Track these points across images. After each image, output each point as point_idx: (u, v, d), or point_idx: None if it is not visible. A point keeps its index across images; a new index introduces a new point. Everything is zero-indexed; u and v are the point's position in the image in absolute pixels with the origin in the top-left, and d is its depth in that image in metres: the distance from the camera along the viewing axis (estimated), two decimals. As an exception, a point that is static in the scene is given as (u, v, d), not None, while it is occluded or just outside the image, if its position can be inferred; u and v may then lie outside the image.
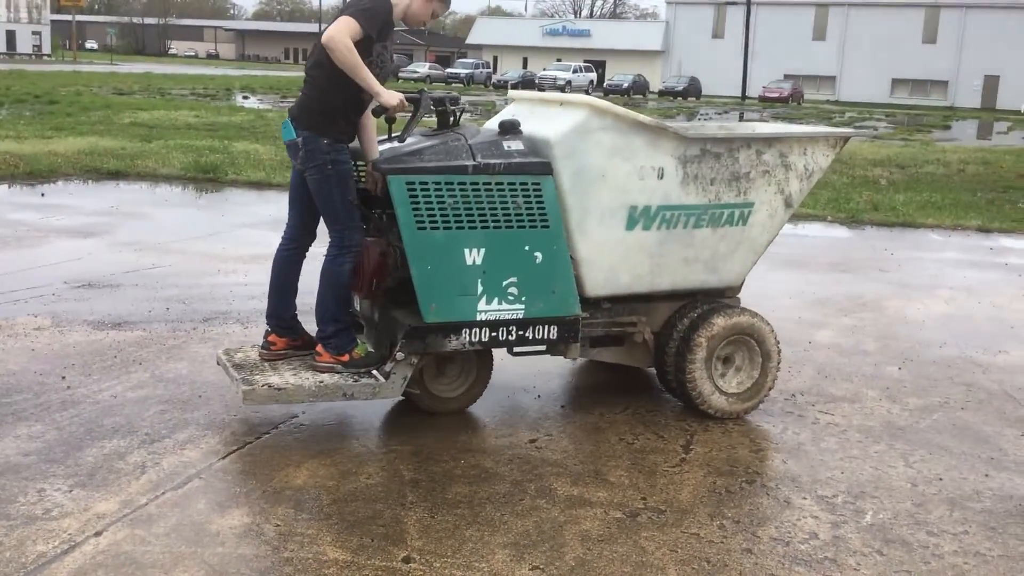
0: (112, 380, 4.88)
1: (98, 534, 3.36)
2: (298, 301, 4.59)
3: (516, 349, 4.56)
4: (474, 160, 4.15)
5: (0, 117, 19.36)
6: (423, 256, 4.09)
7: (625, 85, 57.53)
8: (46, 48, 73.43)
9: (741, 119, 35.95)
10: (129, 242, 8.35)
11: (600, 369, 5.47)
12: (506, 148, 4.24)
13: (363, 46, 4.11)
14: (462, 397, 4.68)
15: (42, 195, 10.86)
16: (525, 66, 69.25)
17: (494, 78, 61.30)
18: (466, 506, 3.73)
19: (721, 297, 4.88)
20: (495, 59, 73.23)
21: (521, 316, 4.28)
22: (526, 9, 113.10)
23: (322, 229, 4.45)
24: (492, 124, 4.57)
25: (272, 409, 4.56)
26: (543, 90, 54.56)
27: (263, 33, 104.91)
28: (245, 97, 32.61)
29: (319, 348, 4.37)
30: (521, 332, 4.30)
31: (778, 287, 7.57)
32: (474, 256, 4.16)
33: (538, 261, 4.25)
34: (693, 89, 58.67)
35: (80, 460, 3.95)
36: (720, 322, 4.62)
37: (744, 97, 55.80)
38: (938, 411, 5.04)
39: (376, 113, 4.29)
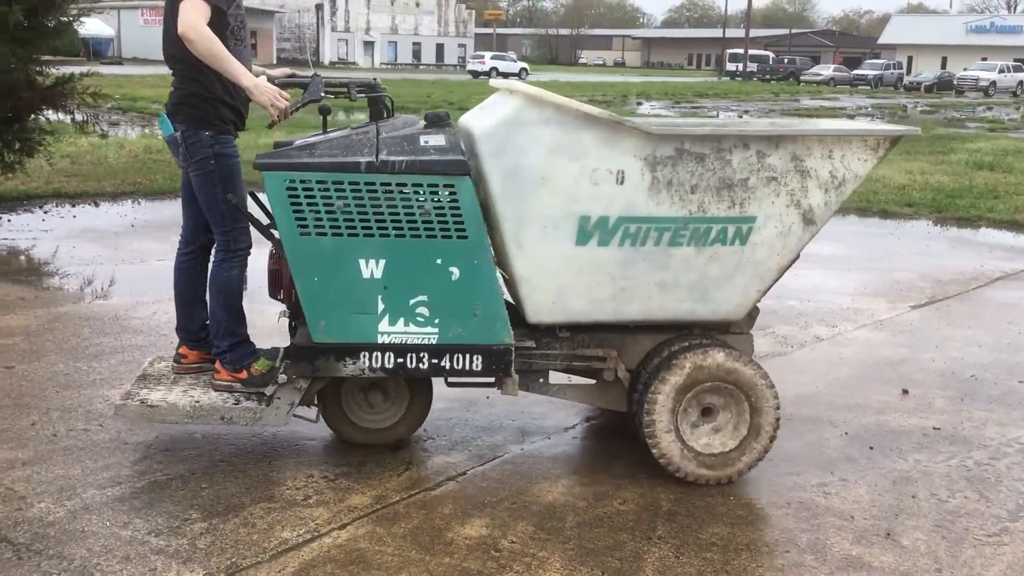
0: (414, 374, 5.00)
1: (342, 527, 3.42)
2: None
3: (451, 380, 3.96)
4: (374, 157, 3.53)
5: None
6: (308, 266, 3.57)
7: (1062, 86, 50.98)
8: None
9: None
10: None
11: (936, 409, 4.74)
12: (422, 144, 3.59)
13: (219, 21, 3.72)
14: (393, 429, 4.09)
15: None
16: (944, 66, 63.83)
17: (906, 79, 57.13)
18: (719, 550, 3.34)
19: (724, 332, 3.95)
20: (909, 59, 68.29)
21: (435, 342, 3.67)
22: (951, 5, 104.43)
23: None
24: (465, 117, 3.95)
25: (549, 416, 4.43)
26: (962, 93, 50.11)
27: (668, 40, 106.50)
28: (639, 103, 33.13)
29: (217, 365, 3.96)
30: (435, 360, 3.68)
31: None
32: (372, 268, 3.59)
33: (454, 278, 3.61)
34: None
35: (356, 449, 4.06)
36: (691, 364, 3.73)
37: None
38: None
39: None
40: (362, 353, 3.66)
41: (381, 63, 72.74)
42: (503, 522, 3.49)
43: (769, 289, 3.87)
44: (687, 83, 50.42)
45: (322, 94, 3.80)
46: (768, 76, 60.53)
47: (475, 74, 57.80)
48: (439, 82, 43.73)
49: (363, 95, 3.91)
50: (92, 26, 27.33)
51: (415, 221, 3.56)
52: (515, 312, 3.81)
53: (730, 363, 3.75)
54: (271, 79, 3.92)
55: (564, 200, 3.61)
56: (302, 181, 3.51)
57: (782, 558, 3.30)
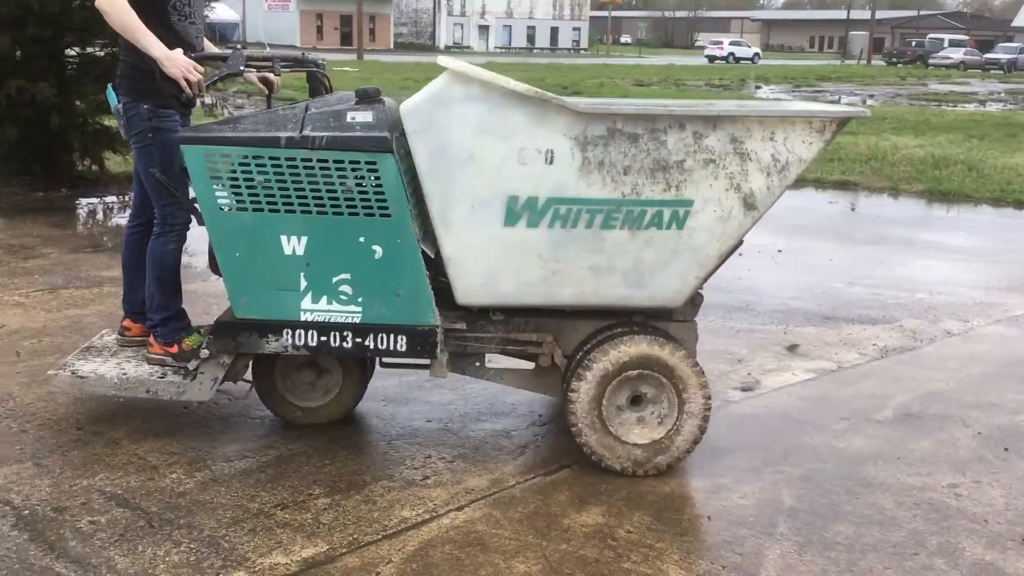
0: (530, 358, 5.01)
1: (460, 508, 3.45)
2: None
3: (384, 360, 3.90)
4: (297, 132, 3.46)
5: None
6: (229, 241, 3.56)
7: None
8: (584, 43, 79.61)
9: None
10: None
11: (1073, 410, 4.51)
12: (348, 120, 3.50)
13: None
14: (325, 409, 4.09)
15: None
16: (1084, 49, 60.47)
17: (1042, 63, 54.41)
18: (844, 550, 3.24)
19: (666, 320, 3.81)
20: (1047, 42, 64.91)
21: (358, 321, 3.62)
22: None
23: None
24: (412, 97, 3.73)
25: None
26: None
27: (789, 22, 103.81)
28: (758, 87, 32.45)
29: (151, 338, 3.98)
30: (359, 340, 3.63)
31: None
32: (294, 245, 3.55)
33: (377, 256, 3.55)
34: None
35: (472, 432, 4.11)
36: (616, 350, 3.62)
37: None
38: None
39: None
40: (285, 330, 3.66)
41: (496, 47, 73.04)
42: (619, 511, 3.47)
43: (710, 276, 3.72)
44: (808, 66, 49.06)
45: (242, 67, 3.78)
46: (894, 59, 58.42)
47: (712, 59, 58.11)
48: (553, 66, 43.60)
49: (288, 69, 3.90)
50: (220, 11, 28.21)
51: (337, 198, 3.52)
52: (451, 293, 3.76)
53: (656, 351, 3.66)
54: (187, 52, 3.82)
55: (492, 179, 3.52)
56: (222, 155, 3.50)
57: (911, 560, 3.19)
